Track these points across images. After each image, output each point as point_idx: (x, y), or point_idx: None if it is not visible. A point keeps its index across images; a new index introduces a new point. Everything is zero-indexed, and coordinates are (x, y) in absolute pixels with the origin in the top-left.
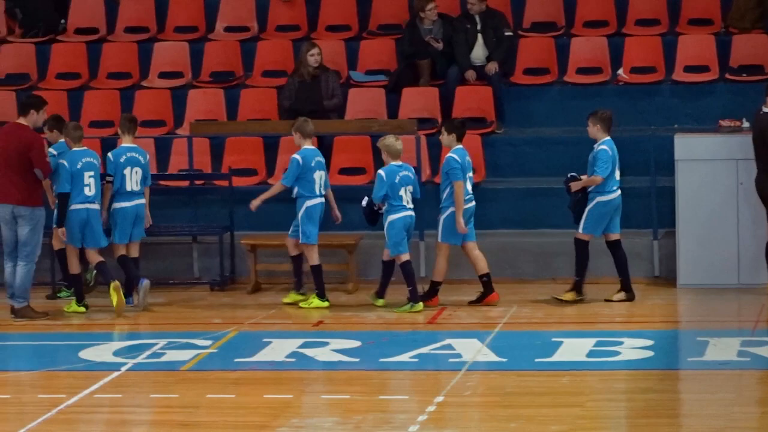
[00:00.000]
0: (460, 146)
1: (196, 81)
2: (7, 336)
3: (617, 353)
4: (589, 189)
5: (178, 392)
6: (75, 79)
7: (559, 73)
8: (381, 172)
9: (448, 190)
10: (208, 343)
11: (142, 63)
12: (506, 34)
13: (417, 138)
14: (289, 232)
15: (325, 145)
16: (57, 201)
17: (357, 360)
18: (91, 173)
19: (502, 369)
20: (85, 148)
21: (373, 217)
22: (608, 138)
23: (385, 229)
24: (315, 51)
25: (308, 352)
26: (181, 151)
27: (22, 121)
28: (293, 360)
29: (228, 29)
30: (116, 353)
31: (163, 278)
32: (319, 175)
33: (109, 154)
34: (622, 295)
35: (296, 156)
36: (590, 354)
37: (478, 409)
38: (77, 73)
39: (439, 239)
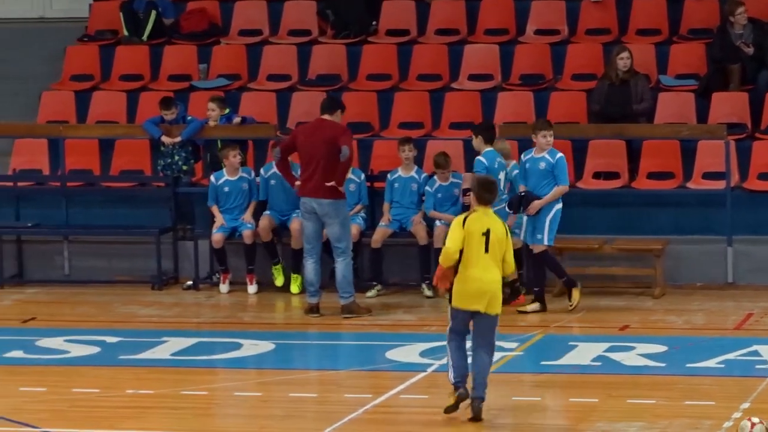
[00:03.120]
0: (490, 148)
1: (505, 83)
2: (315, 335)
3: None
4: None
5: None
6: (385, 81)
7: None
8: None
9: None
10: (514, 345)
11: (452, 65)
12: None
13: (726, 143)
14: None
15: (633, 149)
16: None
17: (663, 365)
18: None
19: None
20: None
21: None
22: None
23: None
24: (625, 55)
25: (614, 356)
26: None
27: (327, 117)
28: (599, 364)
29: (538, 32)
30: (423, 354)
31: None
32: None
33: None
34: (536, 305)
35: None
36: None
37: None
38: (388, 75)
39: None
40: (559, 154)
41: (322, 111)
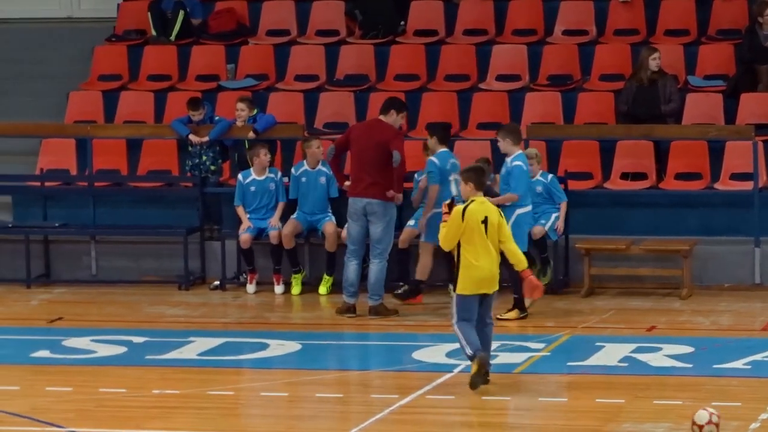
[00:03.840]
0: (444, 149)
1: (533, 84)
2: (341, 336)
3: None
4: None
5: (509, 395)
6: (413, 81)
7: None
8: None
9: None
10: (541, 346)
11: (480, 65)
12: None
13: (754, 144)
14: None
15: (661, 150)
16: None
17: (690, 366)
18: None
19: None
20: None
21: None
22: (521, 152)
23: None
24: (656, 55)
25: (641, 357)
26: None
27: (383, 118)
28: (626, 365)
29: (566, 32)
30: (449, 354)
31: None
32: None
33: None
34: (515, 313)
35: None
36: None
37: None
38: (416, 75)
39: (423, 239)
40: (516, 163)
41: (380, 111)
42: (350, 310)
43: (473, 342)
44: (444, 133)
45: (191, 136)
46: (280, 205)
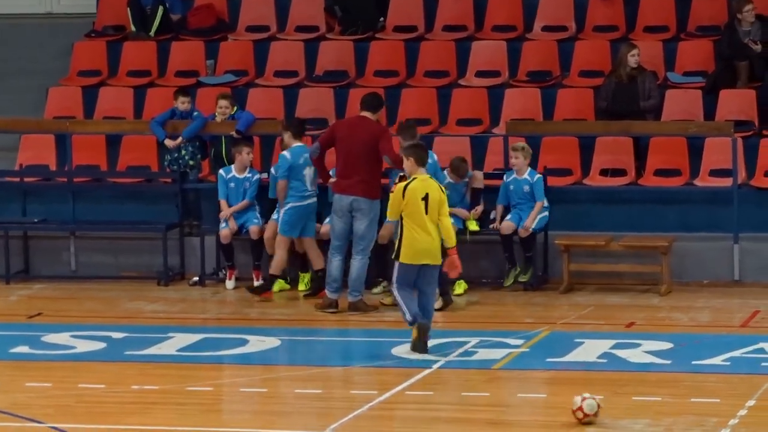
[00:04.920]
0: (299, 144)
1: (513, 80)
2: (321, 332)
3: None
4: None
5: (488, 391)
6: (393, 77)
7: None
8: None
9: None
10: (519, 342)
11: (459, 61)
12: None
13: (733, 140)
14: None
15: (640, 146)
16: None
17: (669, 362)
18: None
19: None
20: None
21: None
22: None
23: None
24: (635, 51)
25: (620, 353)
26: (497, 150)
27: (367, 115)
28: (605, 361)
29: (546, 28)
30: (429, 350)
31: (475, 278)
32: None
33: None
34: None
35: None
36: None
37: None
38: (395, 71)
39: (278, 232)
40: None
41: (364, 108)
42: (332, 305)
43: (412, 309)
44: (300, 129)
45: (167, 141)
46: (244, 203)
